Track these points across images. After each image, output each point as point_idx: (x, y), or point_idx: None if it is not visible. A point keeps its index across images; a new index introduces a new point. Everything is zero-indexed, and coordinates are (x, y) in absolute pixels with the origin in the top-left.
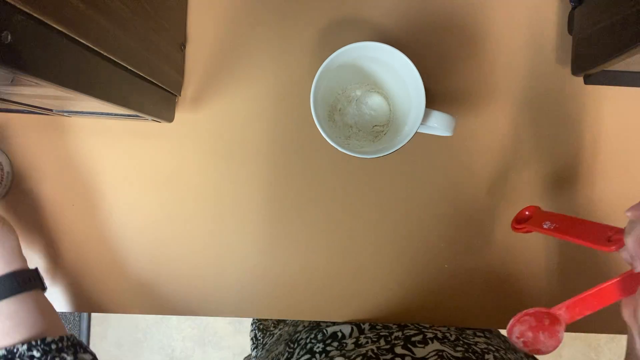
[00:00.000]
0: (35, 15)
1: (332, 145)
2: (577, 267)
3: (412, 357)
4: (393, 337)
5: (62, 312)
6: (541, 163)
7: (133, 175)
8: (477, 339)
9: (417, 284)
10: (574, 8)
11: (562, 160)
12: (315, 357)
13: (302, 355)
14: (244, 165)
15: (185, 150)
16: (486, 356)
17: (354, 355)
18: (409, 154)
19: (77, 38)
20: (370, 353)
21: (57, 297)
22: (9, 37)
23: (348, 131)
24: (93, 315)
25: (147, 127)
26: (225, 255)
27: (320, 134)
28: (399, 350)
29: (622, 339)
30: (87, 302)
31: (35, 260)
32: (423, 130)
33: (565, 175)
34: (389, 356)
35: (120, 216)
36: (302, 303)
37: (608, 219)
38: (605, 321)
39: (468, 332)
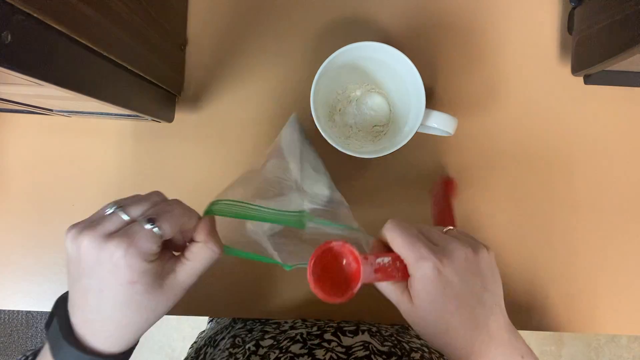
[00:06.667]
0: (35, 15)
1: (332, 145)
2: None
3: (338, 344)
4: (327, 325)
5: None
6: (540, 163)
7: (133, 175)
8: (414, 339)
9: None
10: (574, 8)
11: (561, 160)
12: (252, 333)
13: (240, 329)
14: (244, 165)
15: (185, 150)
16: (413, 354)
17: (282, 338)
18: (409, 154)
19: (77, 38)
20: (298, 337)
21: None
22: (9, 37)
23: (348, 131)
24: None
25: (147, 127)
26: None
27: (320, 133)
28: (327, 336)
29: (622, 339)
30: None
31: (35, 260)
32: (423, 130)
33: (565, 174)
34: (317, 341)
35: None
36: (301, 303)
37: (606, 217)
38: (605, 320)
39: (412, 333)
